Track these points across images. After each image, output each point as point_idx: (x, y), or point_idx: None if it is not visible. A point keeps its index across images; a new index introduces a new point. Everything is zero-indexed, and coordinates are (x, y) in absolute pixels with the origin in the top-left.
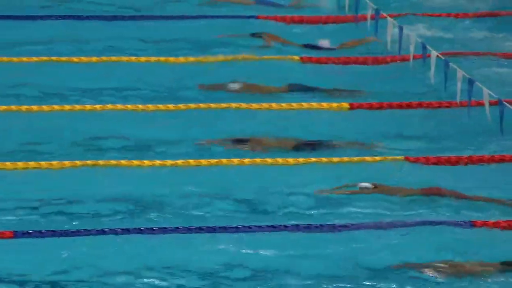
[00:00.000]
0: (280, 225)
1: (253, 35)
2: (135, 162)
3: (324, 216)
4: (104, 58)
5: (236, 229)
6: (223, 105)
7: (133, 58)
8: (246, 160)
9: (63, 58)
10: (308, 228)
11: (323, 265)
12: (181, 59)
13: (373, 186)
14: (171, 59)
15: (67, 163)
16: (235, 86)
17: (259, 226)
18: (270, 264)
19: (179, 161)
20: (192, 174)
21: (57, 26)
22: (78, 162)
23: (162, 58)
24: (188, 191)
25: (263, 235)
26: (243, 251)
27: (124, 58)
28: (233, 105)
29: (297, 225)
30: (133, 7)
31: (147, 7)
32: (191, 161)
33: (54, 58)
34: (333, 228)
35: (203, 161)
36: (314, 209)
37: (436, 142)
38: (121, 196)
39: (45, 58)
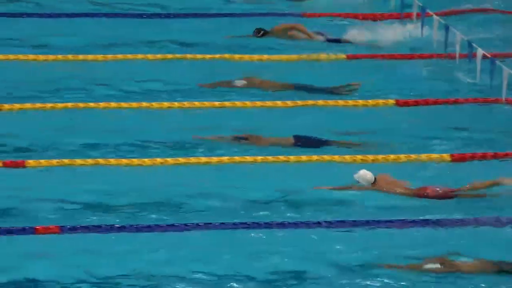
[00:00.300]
0: (327, 221)
1: (258, 31)
2: (181, 159)
3: (376, 212)
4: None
5: (282, 226)
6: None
7: (178, 55)
8: (292, 158)
9: (119, 56)
10: (366, 223)
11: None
12: (226, 56)
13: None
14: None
15: (112, 160)
16: (240, 83)
17: (306, 223)
18: (319, 260)
19: (224, 158)
20: (236, 170)
21: (112, 24)
22: (124, 160)
23: (208, 56)
24: (233, 188)
25: (312, 231)
26: (293, 248)
27: (169, 56)
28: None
29: (354, 221)
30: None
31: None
32: (237, 158)
33: (109, 56)
34: (391, 223)
35: (249, 158)
36: (369, 206)
37: (482, 138)
38: (166, 193)
39: (100, 56)
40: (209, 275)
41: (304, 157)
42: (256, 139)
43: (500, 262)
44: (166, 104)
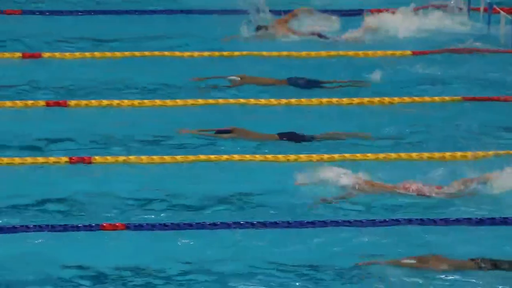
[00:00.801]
0: (382, 220)
1: (258, 29)
2: (247, 156)
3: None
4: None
5: (325, 224)
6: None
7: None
8: (336, 156)
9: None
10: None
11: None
12: (303, 53)
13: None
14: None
15: (179, 157)
16: (235, 78)
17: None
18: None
19: (289, 156)
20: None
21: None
22: (191, 157)
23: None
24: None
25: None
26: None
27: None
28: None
29: (397, 220)
30: None
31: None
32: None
33: (166, 52)
34: (445, 222)
35: (302, 156)
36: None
37: None
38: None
39: (157, 53)
40: (278, 271)
41: (347, 155)
42: (241, 132)
43: (482, 260)
44: (231, 100)
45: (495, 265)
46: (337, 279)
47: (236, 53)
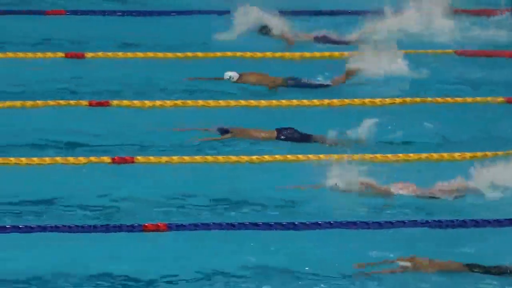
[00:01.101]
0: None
1: (261, 29)
2: (289, 156)
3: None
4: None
5: (367, 225)
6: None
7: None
8: (355, 156)
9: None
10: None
11: None
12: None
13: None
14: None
15: (221, 158)
16: (232, 75)
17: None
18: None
19: (333, 155)
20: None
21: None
22: (233, 157)
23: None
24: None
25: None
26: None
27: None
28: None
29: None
30: None
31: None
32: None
33: (210, 54)
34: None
35: (344, 156)
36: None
37: None
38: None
39: (200, 54)
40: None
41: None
42: (239, 132)
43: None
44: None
45: (487, 270)
46: (378, 280)
47: (278, 54)
